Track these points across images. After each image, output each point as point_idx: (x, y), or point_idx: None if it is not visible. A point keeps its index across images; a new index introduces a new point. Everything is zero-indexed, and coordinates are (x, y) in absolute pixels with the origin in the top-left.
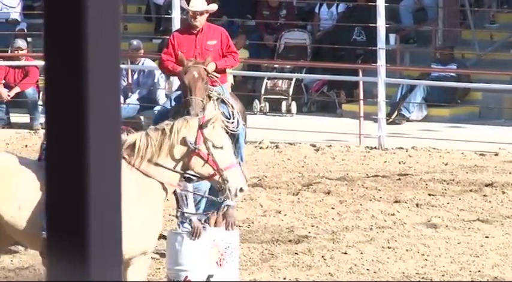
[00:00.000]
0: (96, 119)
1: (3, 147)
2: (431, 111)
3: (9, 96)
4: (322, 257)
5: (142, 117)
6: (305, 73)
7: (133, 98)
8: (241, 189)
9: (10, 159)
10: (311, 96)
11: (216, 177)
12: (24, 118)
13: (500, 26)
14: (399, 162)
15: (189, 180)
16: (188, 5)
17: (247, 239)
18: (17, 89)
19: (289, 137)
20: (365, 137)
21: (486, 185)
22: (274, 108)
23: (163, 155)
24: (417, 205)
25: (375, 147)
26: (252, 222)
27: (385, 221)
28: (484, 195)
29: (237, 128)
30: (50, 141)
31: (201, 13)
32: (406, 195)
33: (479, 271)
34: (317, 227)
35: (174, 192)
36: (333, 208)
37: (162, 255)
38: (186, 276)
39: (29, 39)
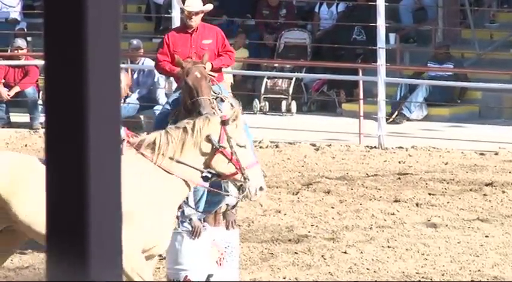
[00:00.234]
0: (96, 119)
1: (3, 147)
2: (431, 111)
3: (9, 95)
4: (322, 256)
5: (142, 117)
6: (305, 72)
7: (133, 98)
8: (261, 188)
9: (23, 159)
10: (311, 95)
11: (237, 176)
12: (24, 117)
13: (500, 25)
14: (399, 162)
15: (205, 179)
16: (183, 5)
17: (247, 238)
18: (16, 89)
19: (289, 136)
20: (365, 137)
21: (486, 185)
22: (274, 107)
23: (185, 152)
24: (417, 204)
25: (375, 147)
26: (252, 222)
27: (385, 220)
28: (484, 195)
29: None
30: (50, 141)
31: (197, 13)
32: (406, 195)
33: (479, 270)
34: (317, 226)
35: None
36: (332, 207)
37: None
38: (186, 276)
39: (28, 38)
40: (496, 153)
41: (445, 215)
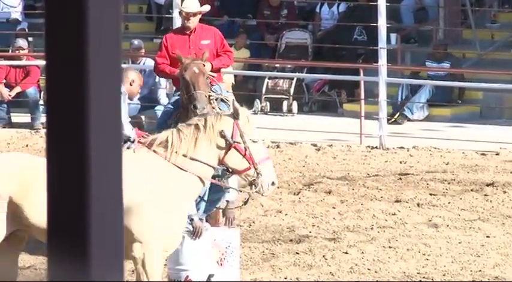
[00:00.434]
0: (96, 119)
1: (4, 147)
2: (432, 111)
3: (10, 95)
4: (323, 256)
5: (143, 117)
6: (306, 73)
7: (135, 98)
8: (273, 183)
9: (33, 160)
10: (312, 95)
11: (250, 171)
12: (25, 118)
13: (501, 26)
14: (400, 162)
15: (216, 176)
16: (181, 5)
17: (248, 238)
18: (18, 89)
19: (290, 136)
20: (366, 137)
21: (487, 185)
22: (275, 107)
23: (198, 149)
24: (418, 205)
25: (376, 147)
26: (253, 222)
27: (386, 220)
28: (485, 195)
29: None
30: (51, 141)
31: (195, 14)
32: (407, 195)
33: (480, 271)
34: (318, 226)
35: None
36: (334, 208)
37: None
38: (187, 276)
39: (30, 38)
40: (497, 154)
41: (446, 215)
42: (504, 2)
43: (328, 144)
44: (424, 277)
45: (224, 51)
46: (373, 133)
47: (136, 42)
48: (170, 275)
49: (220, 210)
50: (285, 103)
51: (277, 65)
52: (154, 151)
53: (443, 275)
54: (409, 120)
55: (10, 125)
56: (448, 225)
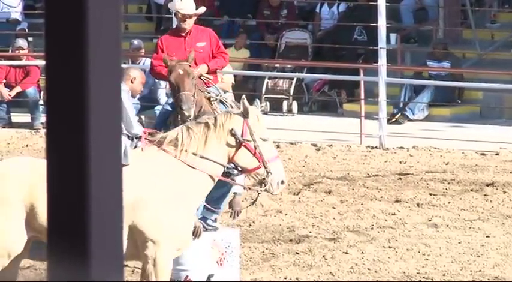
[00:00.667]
0: (96, 119)
1: (4, 147)
2: (432, 111)
3: (10, 95)
4: (323, 256)
5: (143, 117)
6: (306, 73)
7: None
8: (282, 182)
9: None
10: (312, 95)
11: (260, 170)
12: (25, 118)
13: (501, 26)
14: (400, 162)
15: (227, 174)
16: (176, 7)
17: (248, 238)
18: (17, 89)
19: (290, 136)
20: (366, 137)
21: (487, 185)
22: (275, 107)
23: (208, 147)
24: (418, 205)
25: (376, 147)
26: (253, 222)
27: (386, 220)
28: (485, 195)
29: None
30: (51, 141)
31: (190, 16)
32: (407, 195)
33: (480, 271)
34: (318, 226)
35: None
36: (333, 208)
37: None
38: (187, 276)
39: (29, 38)
40: (497, 154)
41: (446, 215)
42: (504, 2)
43: (328, 144)
44: (424, 277)
45: (219, 53)
46: (373, 133)
47: (136, 42)
48: (170, 275)
49: (227, 203)
50: (284, 103)
51: (277, 65)
52: (164, 150)
53: (443, 275)
54: (409, 120)
55: (10, 125)
56: (448, 225)
